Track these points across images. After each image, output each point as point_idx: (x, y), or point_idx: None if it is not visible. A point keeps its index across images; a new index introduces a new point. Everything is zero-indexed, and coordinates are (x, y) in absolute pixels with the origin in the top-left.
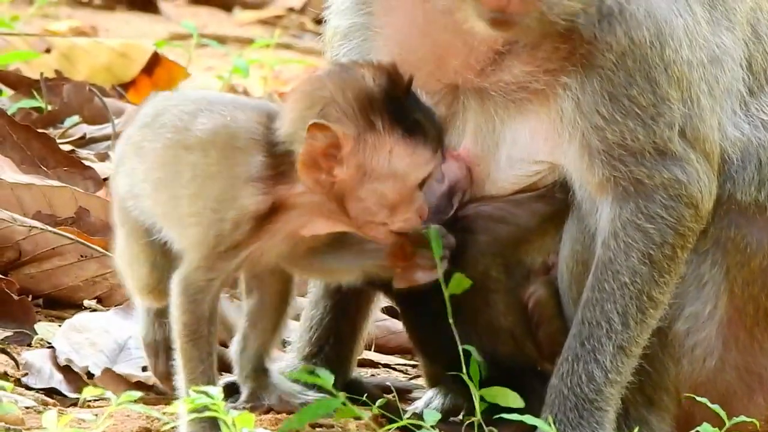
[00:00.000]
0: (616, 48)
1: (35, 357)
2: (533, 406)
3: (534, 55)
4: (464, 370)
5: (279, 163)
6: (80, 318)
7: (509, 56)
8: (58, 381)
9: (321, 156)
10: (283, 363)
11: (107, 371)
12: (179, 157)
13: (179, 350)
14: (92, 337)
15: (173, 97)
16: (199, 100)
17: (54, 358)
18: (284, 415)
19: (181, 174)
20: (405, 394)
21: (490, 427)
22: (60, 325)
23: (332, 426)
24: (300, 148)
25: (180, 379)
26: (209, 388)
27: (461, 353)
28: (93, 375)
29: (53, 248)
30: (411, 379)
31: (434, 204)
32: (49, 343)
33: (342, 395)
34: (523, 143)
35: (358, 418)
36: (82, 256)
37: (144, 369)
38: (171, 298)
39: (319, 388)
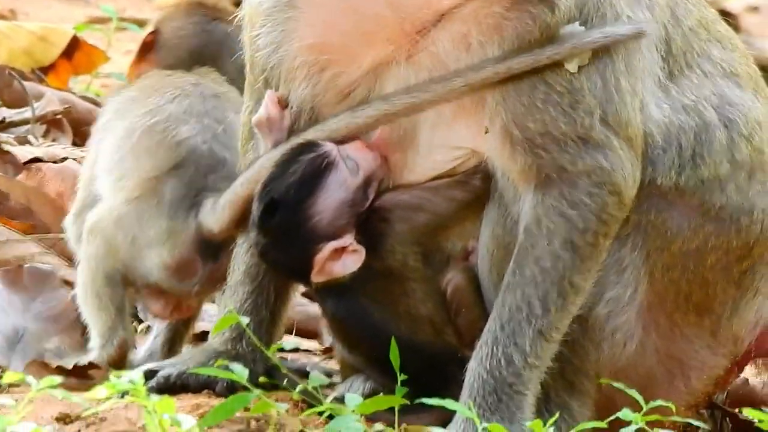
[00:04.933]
0: (541, 22)
1: None
2: (454, 393)
3: (463, 29)
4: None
5: None
6: None
7: (439, 28)
8: None
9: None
10: (205, 346)
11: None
12: None
13: None
14: None
15: None
16: None
17: None
18: (204, 399)
19: None
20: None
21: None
22: None
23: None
24: None
25: None
26: (130, 373)
27: (376, 338)
28: None
29: None
30: (323, 359)
31: (350, 198)
32: None
33: (257, 392)
34: (443, 129)
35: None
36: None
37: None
38: None
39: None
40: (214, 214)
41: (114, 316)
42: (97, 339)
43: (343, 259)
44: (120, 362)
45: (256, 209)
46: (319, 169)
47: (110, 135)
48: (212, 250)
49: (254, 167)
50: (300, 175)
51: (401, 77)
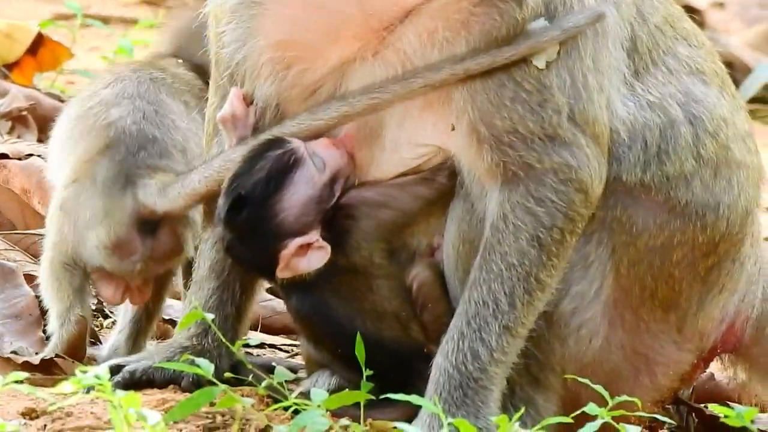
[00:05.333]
0: (509, 18)
1: None
2: (420, 388)
3: (431, 25)
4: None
5: None
6: None
7: (406, 24)
8: None
9: None
10: (170, 342)
11: None
12: None
13: None
14: None
15: None
16: None
17: None
18: (170, 395)
19: None
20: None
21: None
22: None
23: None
24: None
25: None
26: (96, 368)
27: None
28: None
29: None
30: (291, 356)
31: (317, 195)
32: None
33: (223, 386)
34: (410, 127)
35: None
36: None
37: (13, 352)
38: None
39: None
40: (164, 199)
41: (72, 297)
42: (55, 322)
43: (308, 255)
44: (80, 341)
45: (222, 205)
46: (286, 166)
47: (57, 129)
48: (150, 226)
49: (213, 165)
50: (267, 172)
51: (368, 74)
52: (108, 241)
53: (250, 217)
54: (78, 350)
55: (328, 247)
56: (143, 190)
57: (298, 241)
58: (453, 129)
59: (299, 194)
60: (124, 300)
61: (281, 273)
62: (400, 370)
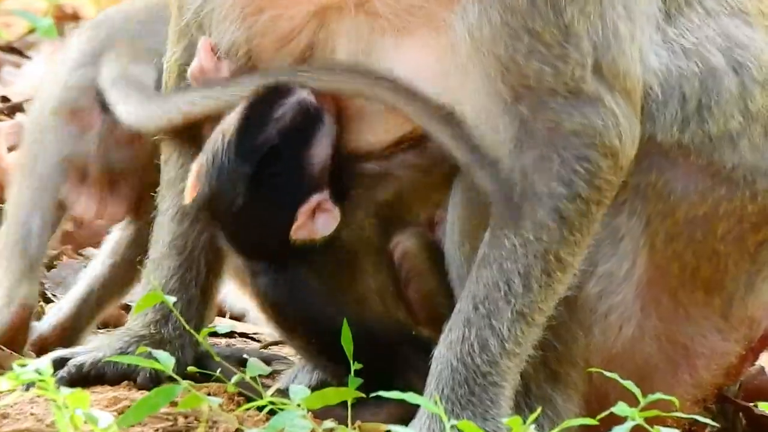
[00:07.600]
0: None
1: None
2: (412, 382)
3: None
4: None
5: None
6: None
7: None
8: None
9: None
10: (124, 330)
11: None
12: None
13: None
14: None
15: None
16: None
17: None
18: (124, 392)
19: None
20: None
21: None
22: None
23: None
24: None
25: None
26: (36, 361)
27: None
28: None
29: None
30: (264, 347)
31: (333, 145)
32: None
33: (186, 383)
34: (405, 78)
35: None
36: None
37: None
38: None
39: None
40: (129, 109)
41: (24, 270)
42: None
43: (317, 219)
44: (22, 327)
45: (241, 159)
46: (308, 115)
47: None
48: None
49: (195, 97)
50: (291, 121)
51: (353, 23)
52: (60, 105)
53: (282, 169)
54: (17, 338)
55: (337, 210)
56: (111, 96)
57: (317, 197)
58: None
59: (324, 145)
60: (100, 214)
61: (296, 233)
62: (386, 357)
